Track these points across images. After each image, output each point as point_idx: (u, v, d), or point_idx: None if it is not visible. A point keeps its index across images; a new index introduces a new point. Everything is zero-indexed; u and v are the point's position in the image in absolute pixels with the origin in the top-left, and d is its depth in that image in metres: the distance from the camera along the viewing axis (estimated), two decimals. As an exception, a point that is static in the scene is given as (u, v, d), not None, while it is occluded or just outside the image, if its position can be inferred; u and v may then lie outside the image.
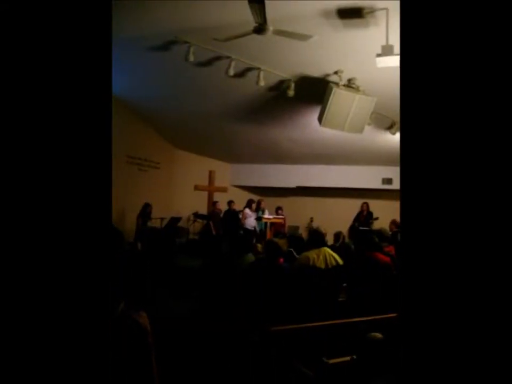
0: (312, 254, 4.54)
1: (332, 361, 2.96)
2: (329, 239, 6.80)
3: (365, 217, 10.61)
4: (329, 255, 4.58)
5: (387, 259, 4.92)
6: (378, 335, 2.79)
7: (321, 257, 4.52)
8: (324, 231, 4.84)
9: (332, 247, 5.59)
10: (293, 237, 6.53)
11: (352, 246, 6.14)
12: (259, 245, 5.92)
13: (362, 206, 10.79)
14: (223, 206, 11.18)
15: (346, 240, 8.14)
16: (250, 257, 4.95)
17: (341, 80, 6.56)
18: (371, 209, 10.75)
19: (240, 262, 4.81)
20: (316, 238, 4.79)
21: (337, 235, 7.82)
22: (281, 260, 4.36)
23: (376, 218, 10.40)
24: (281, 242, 4.50)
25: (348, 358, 2.88)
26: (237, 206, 11.05)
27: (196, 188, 12.18)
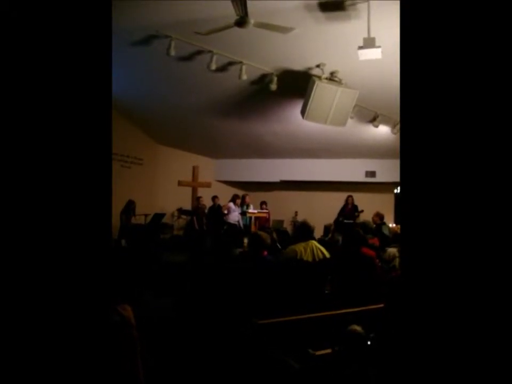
0: (299, 247, 4.52)
1: (318, 352, 2.97)
2: (317, 233, 6.80)
3: (350, 210, 10.58)
4: (316, 248, 4.57)
5: (372, 253, 4.94)
6: (358, 327, 2.80)
7: (308, 250, 4.50)
8: (312, 225, 4.81)
9: (320, 240, 5.59)
10: (278, 230, 6.55)
11: (340, 239, 6.16)
12: (245, 240, 5.90)
13: (347, 199, 10.68)
14: (207, 202, 11.14)
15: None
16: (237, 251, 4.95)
17: (323, 73, 6.57)
18: (355, 202, 10.77)
19: (231, 256, 4.79)
20: (304, 230, 4.77)
21: (328, 228, 7.82)
22: (265, 252, 4.33)
23: (361, 211, 10.40)
24: (265, 235, 4.45)
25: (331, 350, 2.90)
26: (222, 201, 11.01)
27: (180, 183, 12.10)
